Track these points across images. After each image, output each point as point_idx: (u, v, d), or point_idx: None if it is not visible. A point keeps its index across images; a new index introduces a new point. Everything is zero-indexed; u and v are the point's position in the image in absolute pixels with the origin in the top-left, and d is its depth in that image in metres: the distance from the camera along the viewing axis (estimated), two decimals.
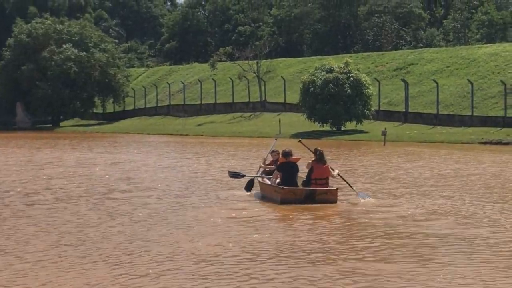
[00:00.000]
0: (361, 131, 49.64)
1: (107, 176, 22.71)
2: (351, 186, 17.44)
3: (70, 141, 47.19)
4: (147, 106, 78.90)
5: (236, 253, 10.97)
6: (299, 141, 20.13)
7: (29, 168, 26.01)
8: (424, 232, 12.65)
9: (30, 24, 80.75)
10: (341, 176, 17.45)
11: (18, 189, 19.29)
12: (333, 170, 17.24)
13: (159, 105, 77.56)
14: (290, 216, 14.91)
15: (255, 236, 12.41)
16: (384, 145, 39.62)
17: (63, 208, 15.75)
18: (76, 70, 75.33)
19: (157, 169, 25.42)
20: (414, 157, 30.78)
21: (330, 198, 16.37)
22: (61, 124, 77.65)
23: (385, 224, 13.52)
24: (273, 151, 18.69)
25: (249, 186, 18.08)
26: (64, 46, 76.82)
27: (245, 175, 18.61)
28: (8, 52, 79.45)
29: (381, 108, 55.74)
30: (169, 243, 11.70)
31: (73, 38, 78.48)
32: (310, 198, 16.29)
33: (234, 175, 18.86)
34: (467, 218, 14.16)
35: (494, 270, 9.96)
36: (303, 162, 17.54)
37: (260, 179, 18.18)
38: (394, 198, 17.29)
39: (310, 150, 17.58)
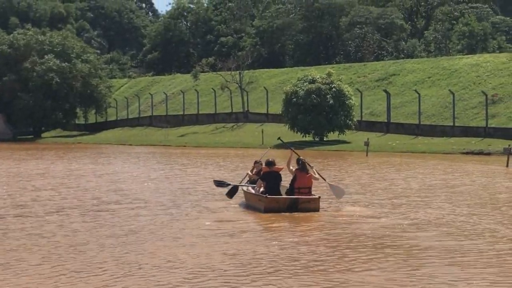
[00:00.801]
0: (343, 142, 49.86)
1: (96, 188, 22.71)
2: (324, 179, 17.76)
3: (56, 152, 47.04)
4: (130, 116, 78.77)
5: (225, 265, 11.01)
6: (279, 139, 20.97)
7: (17, 180, 25.95)
8: (413, 243, 12.72)
9: (11, 35, 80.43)
10: (317, 172, 17.81)
11: (8, 201, 19.18)
12: (311, 167, 17.61)
13: (141, 115, 77.45)
14: (277, 227, 14.98)
15: (243, 247, 12.43)
16: (366, 155, 39.76)
17: (54, 221, 15.70)
18: (58, 81, 75.03)
19: (147, 181, 25.43)
20: (401, 168, 30.91)
21: (313, 206, 16.68)
22: (43, 135, 77.27)
23: (374, 234, 13.61)
24: (256, 162, 18.87)
25: (232, 193, 18.10)
26: (46, 57, 76.55)
27: (230, 184, 18.65)
28: None
29: (363, 119, 56.00)
30: (160, 256, 11.70)
31: (55, 49, 78.20)
32: (293, 207, 16.59)
33: (220, 184, 18.94)
34: (457, 229, 14.22)
35: (486, 281, 10.02)
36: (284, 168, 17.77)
37: (245, 188, 18.37)
38: (383, 208, 17.38)
39: (292, 149, 18.31)
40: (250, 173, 18.86)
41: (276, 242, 12.93)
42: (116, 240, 13.15)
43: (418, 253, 11.83)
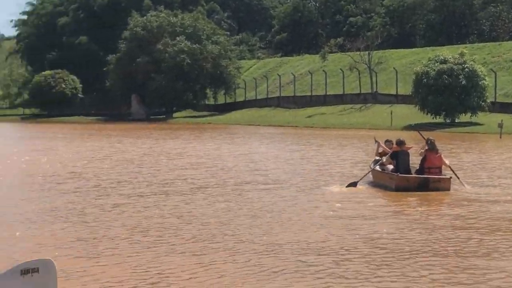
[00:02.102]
0: (475, 124, 48.35)
1: (235, 168, 23.16)
2: (458, 178, 17.47)
3: (191, 132, 48.33)
4: (258, 97, 79.41)
5: (362, 248, 10.96)
6: (417, 131, 20.67)
7: (160, 159, 26.83)
8: None
9: (145, 17, 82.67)
10: (450, 167, 17.66)
11: (152, 180, 19.85)
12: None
13: (269, 96, 77.90)
14: (409, 208, 14.78)
15: (376, 229, 12.36)
16: (500, 137, 38.43)
17: (196, 200, 16.11)
18: (189, 62, 76.63)
19: (286, 161, 25.70)
20: None
21: (443, 186, 16.72)
22: (174, 115, 79.13)
23: None
24: (386, 141, 19.06)
25: (350, 186, 17.70)
26: (177, 38, 78.28)
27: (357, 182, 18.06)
28: (123, 45, 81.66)
29: (497, 100, 54.09)
30: (295, 237, 11.74)
31: (186, 31, 79.86)
32: (423, 186, 16.66)
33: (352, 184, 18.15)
34: None
35: None
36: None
37: (372, 166, 18.69)
38: None
39: (419, 132, 18.97)
40: (381, 144, 18.86)
41: (409, 224, 12.73)
42: (255, 220, 13.35)
43: None
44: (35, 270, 2.98)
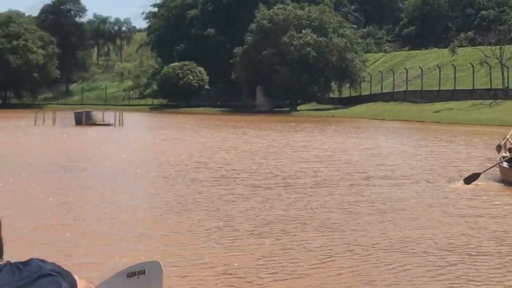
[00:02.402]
0: None
1: (361, 162, 22.95)
2: None
3: (315, 125, 48.30)
4: (383, 91, 78.35)
5: (488, 246, 10.58)
6: None
7: (283, 151, 26.95)
8: None
9: (271, 10, 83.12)
10: None
11: (277, 172, 19.92)
12: None
13: (395, 90, 76.70)
14: None
15: (508, 229, 11.80)
16: None
17: (321, 193, 16.04)
18: (315, 55, 76.49)
19: (412, 156, 25.31)
20: None
21: None
22: (298, 108, 79.20)
23: None
24: None
25: (470, 179, 17.11)
26: (303, 31, 78.27)
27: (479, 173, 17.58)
28: (250, 37, 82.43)
29: None
30: (424, 235, 11.45)
31: (313, 24, 79.71)
32: None
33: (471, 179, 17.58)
34: None
35: None
36: None
37: (499, 161, 18.00)
38: None
39: None
40: (509, 142, 18.15)
41: None
42: (379, 215, 13.13)
43: None
44: (141, 272, 3.00)
